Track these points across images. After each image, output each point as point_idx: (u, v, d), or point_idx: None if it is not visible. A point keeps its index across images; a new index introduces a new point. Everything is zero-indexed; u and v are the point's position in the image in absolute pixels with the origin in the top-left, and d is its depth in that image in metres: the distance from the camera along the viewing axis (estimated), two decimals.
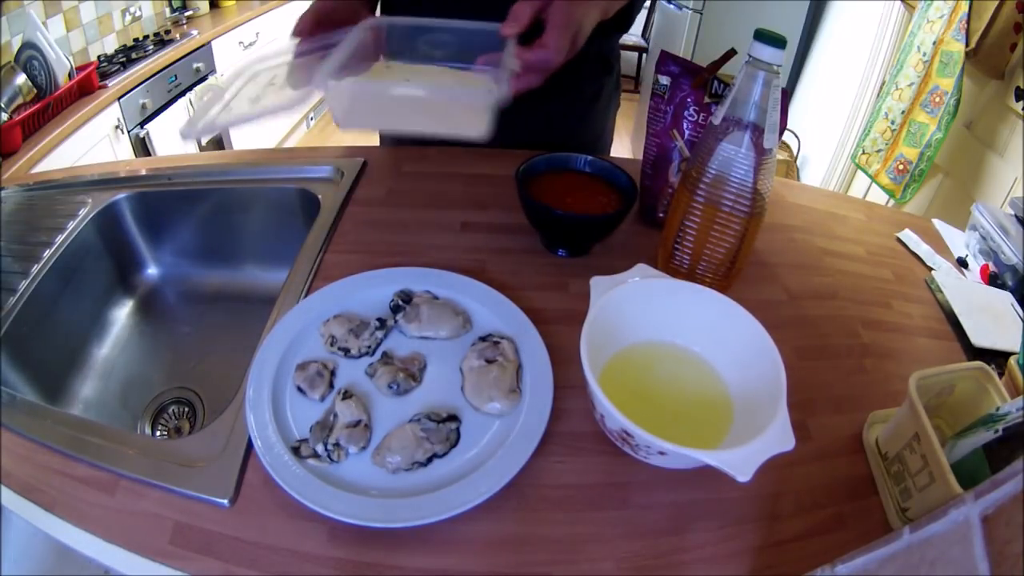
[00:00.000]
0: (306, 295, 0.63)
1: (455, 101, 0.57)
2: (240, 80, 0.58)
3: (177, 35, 2.06)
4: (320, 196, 0.77)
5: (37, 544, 0.68)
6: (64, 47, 1.75)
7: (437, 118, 0.57)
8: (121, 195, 0.80)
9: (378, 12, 0.82)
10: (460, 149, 0.87)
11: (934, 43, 1.57)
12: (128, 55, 1.90)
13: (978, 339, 0.67)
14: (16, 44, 1.58)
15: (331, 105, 0.54)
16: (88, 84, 1.68)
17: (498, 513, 0.47)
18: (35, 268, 0.70)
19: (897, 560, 0.31)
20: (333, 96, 0.53)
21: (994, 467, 0.45)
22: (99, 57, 1.90)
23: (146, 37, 2.04)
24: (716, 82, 0.65)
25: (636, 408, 0.44)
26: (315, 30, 0.59)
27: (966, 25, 1.47)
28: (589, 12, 0.61)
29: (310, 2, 0.66)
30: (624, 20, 0.83)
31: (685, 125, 0.67)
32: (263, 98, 0.56)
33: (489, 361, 0.54)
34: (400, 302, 0.60)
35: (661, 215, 0.73)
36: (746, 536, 0.47)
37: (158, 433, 0.73)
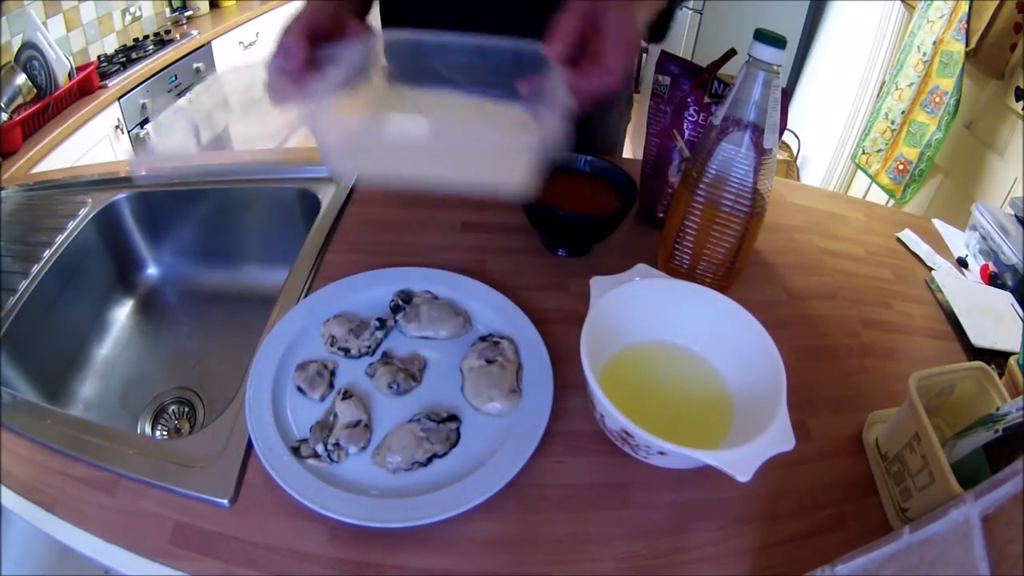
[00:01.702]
0: (306, 295, 0.63)
1: (487, 145, 0.44)
2: (208, 95, 0.48)
3: (177, 35, 2.06)
4: (320, 196, 0.78)
5: (37, 544, 0.68)
6: (64, 47, 1.75)
7: (462, 165, 0.45)
8: (121, 195, 0.80)
9: (374, 13, 0.76)
10: None
11: (934, 43, 1.57)
12: (128, 55, 1.89)
13: (978, 339, 0.67)
14: (16, 44, 1.58)
15: (321, 145, 0.42)
16: (88, 84, 1.67)
17: (498, 513, 0.47)
18: (35, 268, 0.70)
19: (897, 560, 0.31)
20: (324, 133, 0.41)
21: (994, 467, 0.45)
22: (99, 57, 1.90)
23: (146, 37, 2.04)
24: (716, 82, 0.65)
25: (636, 408, 0.44)
26: (306, 51, 0.48)
27: (966, 25, 1.47)
28: (640, 14, 0.49)
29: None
30: (662, 29, 0.69)
31: (685, 125, 0.67)
32: (233, 122, 0.48)
33: (489, 361, 0.54)
34: (400, 302, 0.60)
35: (661, 215, 0.73)
36: (746, 536, 0.47)
37: (158, 433, 0.73)
